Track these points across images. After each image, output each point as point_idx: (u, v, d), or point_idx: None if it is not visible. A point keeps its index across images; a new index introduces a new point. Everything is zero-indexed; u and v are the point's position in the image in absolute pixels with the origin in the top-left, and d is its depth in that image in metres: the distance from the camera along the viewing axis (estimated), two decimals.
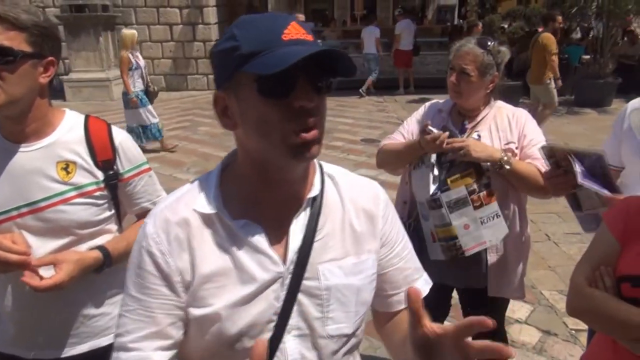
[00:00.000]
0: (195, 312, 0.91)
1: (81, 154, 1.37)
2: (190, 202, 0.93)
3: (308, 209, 0.95)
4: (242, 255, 0.90)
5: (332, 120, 8.83)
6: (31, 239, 1.32)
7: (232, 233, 0.91)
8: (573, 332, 3.01)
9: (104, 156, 1.40)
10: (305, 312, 0.93)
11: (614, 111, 9.07)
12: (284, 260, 0.91)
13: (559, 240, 4.21)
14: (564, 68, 10.59)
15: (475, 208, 1.85)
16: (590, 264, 1.30)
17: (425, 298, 2.13)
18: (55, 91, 9.70)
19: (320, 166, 1.02)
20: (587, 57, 10.94)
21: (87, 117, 1.44)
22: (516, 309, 3.19)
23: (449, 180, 1.85)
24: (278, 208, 0.93)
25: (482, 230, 1.87)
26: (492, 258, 1.96)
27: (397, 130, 2.20)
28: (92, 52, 10.93)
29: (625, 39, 11.30)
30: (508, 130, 1.92)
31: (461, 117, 2.02)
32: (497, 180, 1.88)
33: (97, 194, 1.39)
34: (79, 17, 10.64)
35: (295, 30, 0.83)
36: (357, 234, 0.98)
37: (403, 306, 1.06)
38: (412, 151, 1.97)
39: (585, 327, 2.99)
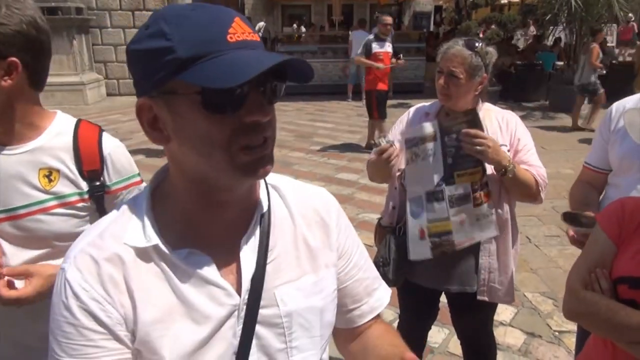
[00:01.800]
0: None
1: (66, 162, 1.28)
2: (118, 234, 0.77)
3: (257, 229, 0.83)
4: (190, 290, 0.76)
5: (312, 125, 8.82)
6: (6, 247, 1.24)
7: (174, 266, 0.76)
8: (557, 333, 3.04)
9: (90, 166, 1.30)
10: (266, 345, 0.81)
11: (587, 116, 9.28)
12: (239, 290, 0.79)
13: (539, 243, 4.26)
14: (537, 74, 10.86)
15: (475, 206, 1.85)
16: (586, 266, 1.29)
17: (415, 302, 2.14)
18: None
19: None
20: (560, 63, 11.19)
21: (78, 122, 1.35)
22: (500, 312, 3.19)
23: (455, 174, 1.83)
24: (223, 231, 0.81)
25: (475, 227, 1.87)
26: (484, 262, 1.95)
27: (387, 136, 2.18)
28: (65, 55, 10.69)
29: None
30: (499, 133, 1.92)
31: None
32: (493, 182, 1.87)
33: (80, 205, 1.30)
34: (52, 19, 10.34)
35: (241, 29, 0.70)
36: (311, 248, 0.88)
37: (366, 320, 0.98)
38: (381, 165, 1.92)
39: (569, 328, 3.04)
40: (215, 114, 0.68)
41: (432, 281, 2.02)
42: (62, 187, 1.27)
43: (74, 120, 1.34)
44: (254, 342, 0.79)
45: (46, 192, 1.26)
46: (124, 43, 11.90)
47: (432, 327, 2.61)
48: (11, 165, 1.24)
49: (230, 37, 0.68)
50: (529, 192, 1.88)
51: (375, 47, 6.91)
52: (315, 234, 0.90)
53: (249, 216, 0.83)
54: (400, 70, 11.71)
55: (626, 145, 1.67)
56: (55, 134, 1.29)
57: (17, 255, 1.25)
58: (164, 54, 0.67)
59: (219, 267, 0.79)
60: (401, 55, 7.68)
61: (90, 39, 11.49)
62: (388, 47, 7.01)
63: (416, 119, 2.08)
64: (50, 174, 1.26)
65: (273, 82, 0.73)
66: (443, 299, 2.22)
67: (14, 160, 1.24)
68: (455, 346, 2.64)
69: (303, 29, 17.51)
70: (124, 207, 0.82)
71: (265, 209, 0.84)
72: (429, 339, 2.71)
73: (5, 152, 1.24)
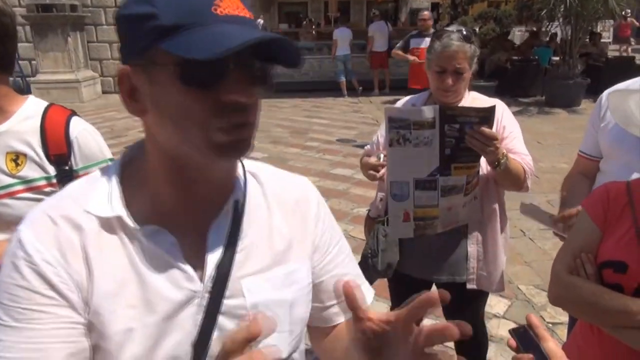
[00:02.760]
0: (96, 343, 0.70)
1: (33, 146, 1.27)
2: (82, 201, 0.73)
3: (229, 215, 0.78)
4: (149, 269, 0.72)
5: (308, 121, 8.81)
6: None
7: (137, 242, 0.72)
8: (550, 325, 3.03)
9: (56, 150, 1.29)
10: None
11: (584, 111, 9.30)
12: (201, 277, 0.74)
13: (534, 236, 4.26)
14: (533, 69, 10.86)
15: (465, 195, 1.84)
16: (571, 252, 1.28)
17: (406, 293, 2.11)
18: (24, 93, 9.40)
19: (242, 163, 0.85)
20: (556, 58, 11.19)
21: (48, 106, 1.34)
22: (494, 304, 3.20)
23: (453, 166, 1.75)
24: (194, 213, 0.77)
25: (460, 212, 1.86)
26: (472, 250, 1.94)
27: (377, 133, 2.17)
28: (60, 52, 10.66)
29: (588, 40, 11.66)
30: None
31: None
32: (482, 172, 1.86)
33: (47, 189, 1.28)
34: (46, 17, 10.37)
35: (231, 3, 0.66)
36: (286, 239, 0.83)
37: (342, 319, 0.92)
38: (368, 174, 1.93)
39: (562, 320, 3.04)
40: (193, 88, 0.65)
41: (421, 271, 2.01)
42: (29, 171, 1.27)
43: (43, 105, 1.33)
44: (215, 334, 0.74)
45: (12, 176, 1.25)
46: (119, 41, 11.87)
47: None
48: None
49: (217, 9, 0.65)
50: (517, 182, 1.86)
51: (413, 42, 6.91)
52: (292, 224, 0.86)
53: (223, 201, 0.79)
54: (395, 66, 11.75)
55: (614, 130, 1.66)
56: (24, 117, 1.29)
57: None
58: (147, 19, 0.64)
59: (185, 250, 0.74)
60: None
61: (85, 36, 11.45)
62: (426, 44, 7.02)
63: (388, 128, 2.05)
64: (17, 158, 1.26)
65: (259, 64, 0.68)
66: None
67: None
68: None
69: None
70: (92, 176, 0.79)
71: (240, 195, 0.80)
72: None
73: None
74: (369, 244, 2.04)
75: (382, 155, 1.87)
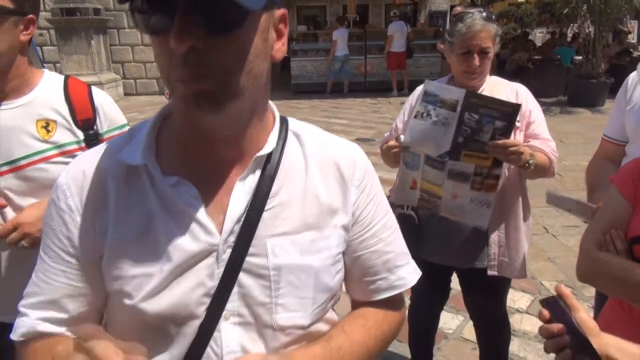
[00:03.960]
0: (111, 287, 0.75)
1: (62, 113, 1.35)
2: (115, 151, 0.77)
3: (258, 171, 0.77)
4: (169, 219, 0.73)
5: (327, 121, 8.81)
6: (13, 198, 1.30)
7: (160, 191, 0.74)
8: None
9: (83, 115, 1.37)
10: (248, 295, 0.75)
11: (607, 110, 9.10)
12: (221, 231, 0.75)
13: (557, 233, 4.18)
14: (555, 69, 10.70)
15: (472, 189, 1.79)
16: (600, 227, 1.24)
17: (425, 280, 2.10)
18: None
19: (285, 122, 0.84)
20: (579, 58, 11.01)
21: (66, 77, 1.42)
22: (517, 299, 3.14)
23: (463, 152, 1.73)
24: (221, 168, 0.77)
25: (466, 207, 1.82)
26: (493, 236, 1.90)
27: (396, 120, 2.16)
28: (84, 55, 10.85)
29: (613, 41, 11.45)
30: None
31: None
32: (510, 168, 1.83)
33: (78, 153, 1.33)
34: (71, 20, 10.57)
35: None
36: (322, 204, 0.80)
37: (382, 296, 0.90)
38: (390, 155, 1.93)
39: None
40: (152, 36, 0.66)
41: (441, 257, 1.98)
42: (60, 136, 1.33)
43: (61, 77, 1.42)
44: (235, 289, 0.74)
45: (45, 141, 1.32)
46: (141, 43, 12.05)
47: (446, 313, 2.57)
48: (9, 120, 1.29)
49: None
50: (544, 173, 1.86)
51: None
52: (331, 190, 0.82)
53: (251, 156, 0.77)
54: (415, 67, 11.69)
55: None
56: (48, 88, 1.36)
57: (23, 206, 1.30)
58: None
59: (207, 204, 0.75)
60: None
61: (107, 39, 11.64)
62: None
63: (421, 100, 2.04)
64: (47, 124, 1.33)
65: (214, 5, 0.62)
66: (457, 285, 2.18)
67: (11, 114, 1.30)
68: (470, 332, 2.59)
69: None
70: (130, 129, 0.83)
71: (269, 150, 0.78)
72: (442, 324, 2.68)
73: (3, 106, 1.29)
74: None
75: (402, 137, 1.85)
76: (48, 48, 11.94)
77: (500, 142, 1.65)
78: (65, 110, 1.36)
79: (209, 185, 0.76)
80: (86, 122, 1.37)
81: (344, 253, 0.85)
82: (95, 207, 0.75)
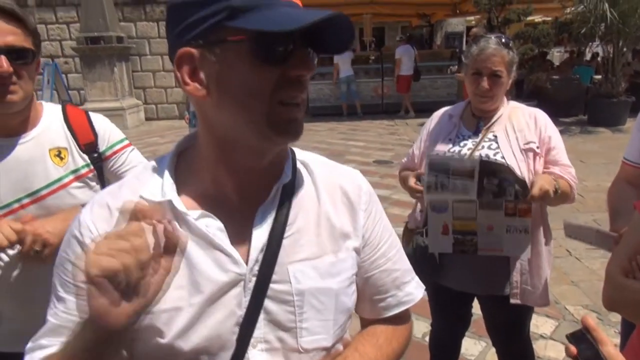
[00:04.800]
0: (139, 323, 0.73)
1: (68, 139, 1.42)
2: (137, 188, 0.79)
3: (276, 200, 0.81)
4: (196, 252, 0.75)
5: (344, 144, 8.85)
6: None
7: (186, 225, 0.76)
8: None
9: (86, 139, 1.44)
10: (274, 321, 0.78)
11: (628, 130, 8.96)
12: (247, 260, 0.77)
13: (580, 256, 4.10)
14: (575, 89, 10.61)
15: (507, 215, 1.79)
16: (626, 254, 1.22)
17: (446, 307, 2.09)
18: None
19: (292, 152, 0.88)
20: (598, 77, 10.91)
21: (64, 106, 1.49)
22: (540, 324, 3.08)
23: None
24: (242, 199, 0.80)
25: (503, 238, 1.81)
26: (515, 264, 1.88)
27: (412, 146, 2.18)
28: (107, 82, 11.15)
29: (633, 59, 11.34)
30: (526, 130, 1.87)
31: (475, 119, 1.97)
32: None
33: (90, 175, 1.44)
34: (95, 48, 10.90)
35: None
36: (335, 228, 0.84)
37: (391, 312, 0.94)
38: (409, 190, 1.97)
39: (614, 342, 2.88)
40: (262, 63, 0.69)
41: (462, 284, 1.97)
42: (72, 162, 1.40)
43: (59, 106, 1.49)
44: (261, 315, 0.77)
45: (61, 169, 1.38)
46: (162, 69, 12.34)
47: (469, 339, 2.52)
48: (23, 153, 1.34)
49: None
50: (565, 200, 1.87)
51: None
52: (341, 214, 0.86)
53: (270, 188, 0.81)
54: (432, 88, 11.72)
55: None
56: (51, 118, 1.43)
57: None
58: (216, 1, 0.67)
59: (232, 235, 0.77)
60: None
61: (130, 65, 11.95)
62: None
63: (441, 124, 2.05)
64: (59, 152, 1.39)
65: (313, 43, 0.73)
66: (479, 311, 2.15)
67: (25, 147, 1.35)
68: (493, 359, 2.55)
69: None
70: (148, 165, 0.84)
71: (287, 180, 0.82)
72: (464, 350, 2.64)
73: (14, 142, 1.34)
74: (407, 256, 2.01)
75: (424, 179, 1.87)
76: (73, 75, 12.31)
77: (530, 197, 1.68)
78: (69, 137, 1.42)
79: (231, 215, 0.78)
80: (89, 146, 1.44)
81: (355, 274, 0.88)
82: None
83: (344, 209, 0.87)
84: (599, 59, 11.82)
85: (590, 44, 11.00)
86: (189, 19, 0.70)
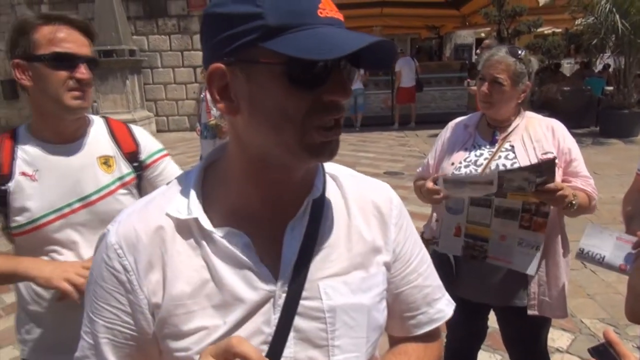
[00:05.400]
0: (166, 344, 0.73)
1: (114, 148, 1.50)
2: (163, 205, 0.76)
3: (307, 215, 0.78)
4: (225, 270, 0.72)
5: (355, 155, 8.85)
6: (84, 232, 1.41)
7: (213, 243, 0.73)
8: None
9: (129, 149, 1.51)
10: (304, 339, 0.75)
11: None
12: (276, 277, 0.74)
13: (596, 268, 4.00)
14: (586, 100, 10.56)
15: (521, 227, 1.78)
16: None
17: (461, 318, 2.05)
18: None
19: (322, 165, 0.84)
20: (610, 88, 10.85)
21: (105, 117, 1.59)
22: (556, 338, 3.03)
23: (509, 194, 1.75)
24: (271, 214, 0.77)
25: (514, 250, 1.80)
26: (533, 274, 1.86)
27: (427, 156, 2.17)
28: (119, 94, 11.26)
29: None
30: (544, 140, 1.86)
31: (491, 129, 1.97)
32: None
33: (133, 183, 1.50)
34: (107, 61, 11.02)
35: (330, 6, 0.67)
36: (366, 243, 0.82)
37: (422, 330, 0.90)
38: (427, 195, 1.95)
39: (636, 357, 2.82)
40: (297, 87, 0.65)
41: (478, 295, 1.94)
42: (118, 169, 1.47)
43: (100, 117, 1.59)
44: (291, 334, 0.74)
45: (109, 176, 1.45)
46: (173, 82, 12.46)
47: (484, 352, 2.49)
48: (75, 160, 1.43)
49: (321, 12, 0.65)
50: (585, 211, 1.85)
51: None
52: (372, 228, 0.83)
53: (300, 202, 0.77)
54: (442, 99, 11.73)
55: None
56: (97, 128, 1.52)
57: (93, 239, 1.35)
58: (251, 19, 0.64)
59: (260, 251, 0.74)
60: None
61: (142, 78, 12.08)
62: None
63: (456, 133, 2.05)
64: (107, 160, 1.47)
65: (350, 65, 0.70)
66: (494, 323, 2.12)
67: (79, 154, 1.44)
68: None
69: None
70: (175, 181, 0.81)
71: (318, 194, 0.79)
72: None
73: (66, 149, 1.43)
74: None
75: (441, 181, 1.86)
76: None
77: (546, 188, 1.66)
78: (114, 146, 1.50)
79: (260, 231, 0.75)
80: (131, 155, 1.51)
81: (385, 290, 0.86)
82: (150, 265, 0.73)
83: (375, 222, 0.84)
84: (610, 70, 11.75)
85: (601, 55, 10.94)
86: (223, 33, 0.66)
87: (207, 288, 0.72)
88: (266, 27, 0.63)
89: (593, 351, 0.91)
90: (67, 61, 1.33)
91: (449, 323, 2.27)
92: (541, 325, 1.98)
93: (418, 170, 2.23)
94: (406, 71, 11.04)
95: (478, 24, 13.96)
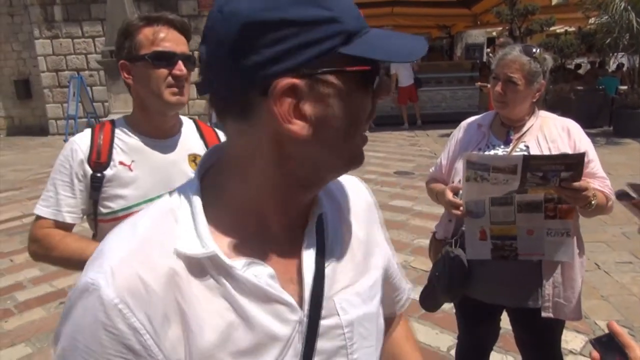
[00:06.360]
0: None
1: (202, 149, 1.58)
2: (165, 240, 0.62)
3: (313, 231, 0.72)
4: (252, 307, 0.63)
5: (365, 155, 8.83)
6: None
7: (233, 279, 0.62)
8: None
9: None
10: None
11: None
12: (300, 302, 0.67)
13: (610, 270, 3.99)
14: (600, 99, 10.44)
15: (547, 217, 1.75)
16: None
17: (474, 320, 2.02)
18: None
19: None
20: (624, 87, 10.72)
21: (195, 120, 1.67)
22: (570, 340, 2.99)
23: (530, 190, 1.71)
24: (284, 234, 0.70)
25: (545, 241, 1.77)
26: (547, 275, 1.83)
27: (440, 156, 2.15)
28: (129, 94, 11.32)
29: None
30: (559, 141, 1.83)
31: (505, 128, 1.94)
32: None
33: None
34: (115, 61, 11.09)
35: None
36: (363, 247, 0.79)
37: (404, 307, 0.98)
38: (443, 203, 1.94)
39: None
40: (369, 93, 0.63)
41: (491, 296, 1.92)
42: None
43: (190, 119, 1.67)
44: (315, 358, 0.69)
45: None
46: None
47: (495, 353, 2.46)
48: (168, 155, 1.52)
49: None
50: (601, 212, 1.82)
51: None
52: (365, 231, 0.81)
53: (306, 217, 0.72)
54: (453, 99, 11.66)
55: None
56: (188, 127, 1.61)
57: None
58: (326, 23, 0.58)
59: (280, 277, 0.67)
60: None
61: None
62: None
63: (470, 133, 2.02)
64: (195, 158, 1.54)
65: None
66: (506, 325, 2.10)
67: (169, 150, 1.52)
68: None
69: None
70: (169, 203, 0.66)
71: (323, 208, 0.74)
72: None
73: (162, 144, 1.52)
74: (437, 267, 1.97)
75: (461, 193, 1.84)
76: (97, 88, 12.57)
77: (573, 185, 1.63)
78: (202, 146, 1.59)
79: (275, 255, 0.68)
80: None
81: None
82: (166, 319, 0.59)
83: (367, 224, 0.83)
84: (624, 69, 11.61)
85: (615, 54, 10.82)
86: (286, 42, 0.57)
87: (237, 332, 0.63)
88: (346, 32, 0.59)
89: (595, 342, 0.89)
90: (166, 59, 1.41)
91: (460, 324, 2.27)
92: (555, 327, 1.95)
93: (430, 170, 2.21)
94: (402, 71, 11.02)
95: (489, 22, 13.86)
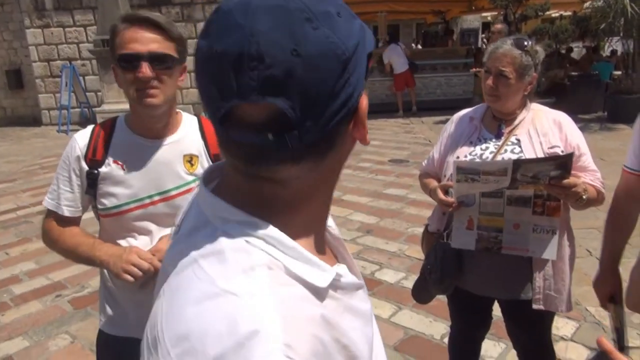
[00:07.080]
0: None
1: (200, 149, 1.55)
2: (288, 276, 0.55)
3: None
4: (356, 303, 0.63)
5: (359, 142, 8.83)
6: (160, 223, 1.50)
7: (347, 295, 0.62)
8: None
9: (216, 150, 1.55)
10: None
11: None
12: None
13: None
14: (594, 85, 10.45)
15: (534, 213, 1.78)
16: None
17: (466, 311, 2.03)
18: (89, 122, 10.00)
19: None
20: (618, 73, 10.73)
21: (199, 117, 1.63)
22: (561, 326, 3.04)
23: (520, 187, 1.74)
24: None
25: (530, 237, 1.79)
26: (538, 267, 1.85)
27: (432, 150, 2.16)
28: None
29: None
30: (551, 134, 1.84)
31: (496, 122, 1.95)
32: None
33: None
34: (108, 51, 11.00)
35: None
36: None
37: None
38: (435, 199, 1.96)
39: (638, 344, 2.83)
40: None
41: (483, 288, 1.94)
42: (201, 169, 1.53)
43: (194, 117, 1.63)
44: None
45: (190, 174, 1.51)
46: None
47: (488, 340, 2.50)
48: (161, 155, 1.50)
49: None
50: (592, 204, 1.83)
51: None
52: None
53: None
54: (448, 86, 11.63)
55: None
56: (188, 126, 1.58)
57: (166, 232, 1.47)
58: (366, 36, 0.59)
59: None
60: None
61: None
62: None
63: (462, 126, 2.03)
64: (191, 159, 1.54)
65: None
66: (498, 312, 2.13)
67: (163, 150, 1.51)
68: None
69: None
70: (262, 234, 0.57)
71: None
72: (484, 352, 2.61)
73: (155, 144, 1.50)
74: (429, 260, 1.99)
75: (452, 190, 1.86)
76: (90, 77, 12.46)
77: (562, 183, 1.65)
78: (202, 146, 1.56)
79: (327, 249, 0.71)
80: (217, 157, 1.55)
81: None
82: None
83: None
84: (618, 54, 11.60)
85: (610, 39, 10.80)
86: (362, 64, 0.57)
87: (367, 329, 0.64)
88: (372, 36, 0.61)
89: None
90: (130, 62, 1.36)
91: (453, 314, 2.30)
92: (546, 318, 1.98)
93: (423, 163, 2.22)
94: (395, 59, 10.97)
95: (484, 8, 13.77)
